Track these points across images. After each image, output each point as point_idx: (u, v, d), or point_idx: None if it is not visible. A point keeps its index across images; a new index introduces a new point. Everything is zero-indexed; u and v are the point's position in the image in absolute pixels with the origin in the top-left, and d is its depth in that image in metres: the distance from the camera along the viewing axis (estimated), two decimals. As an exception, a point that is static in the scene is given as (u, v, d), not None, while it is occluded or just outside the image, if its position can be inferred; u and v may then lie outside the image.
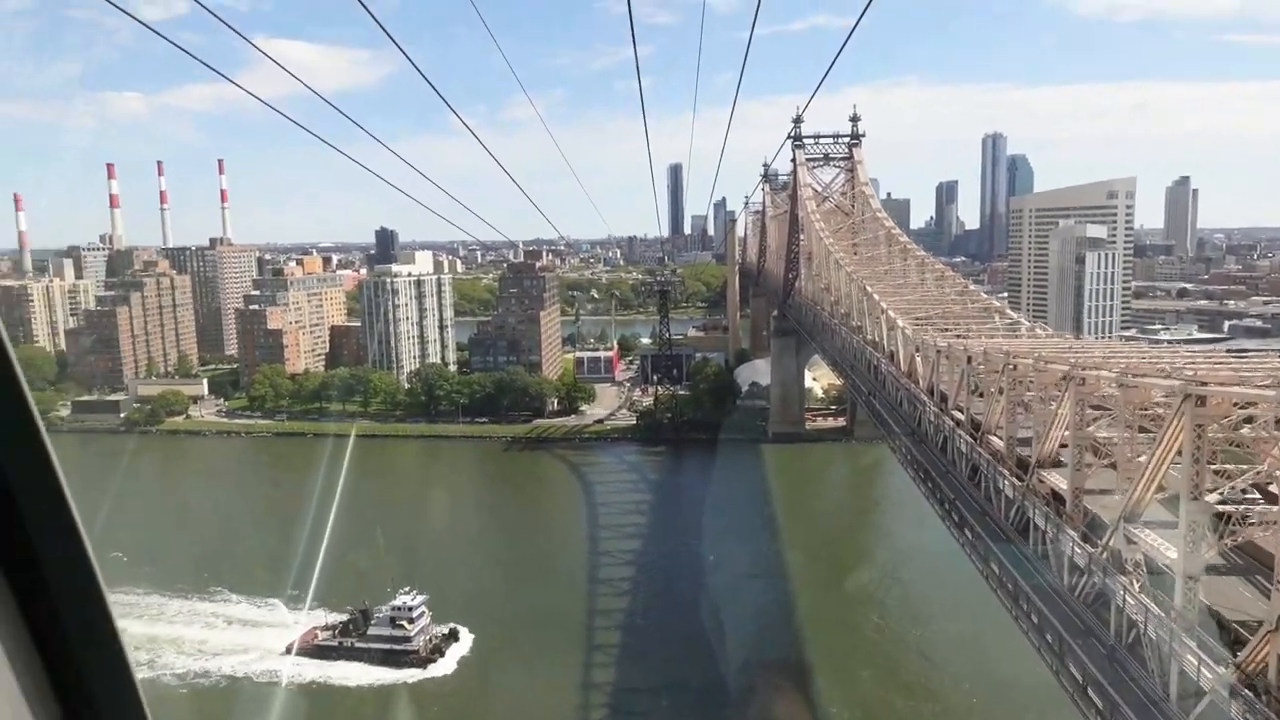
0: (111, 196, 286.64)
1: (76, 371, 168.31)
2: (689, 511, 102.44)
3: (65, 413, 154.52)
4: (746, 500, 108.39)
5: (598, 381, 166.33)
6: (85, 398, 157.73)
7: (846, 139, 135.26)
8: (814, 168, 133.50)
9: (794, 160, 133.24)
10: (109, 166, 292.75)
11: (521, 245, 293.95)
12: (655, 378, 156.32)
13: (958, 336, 57.52)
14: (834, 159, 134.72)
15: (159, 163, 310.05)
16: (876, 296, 72.78)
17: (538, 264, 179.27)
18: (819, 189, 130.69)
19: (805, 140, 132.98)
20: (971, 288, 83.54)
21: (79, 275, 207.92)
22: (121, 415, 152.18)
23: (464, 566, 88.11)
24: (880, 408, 67.97)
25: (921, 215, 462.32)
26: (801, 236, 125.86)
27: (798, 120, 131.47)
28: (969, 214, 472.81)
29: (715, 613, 73.31)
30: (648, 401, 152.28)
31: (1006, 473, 38.91)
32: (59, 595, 1.80)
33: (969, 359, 45.49)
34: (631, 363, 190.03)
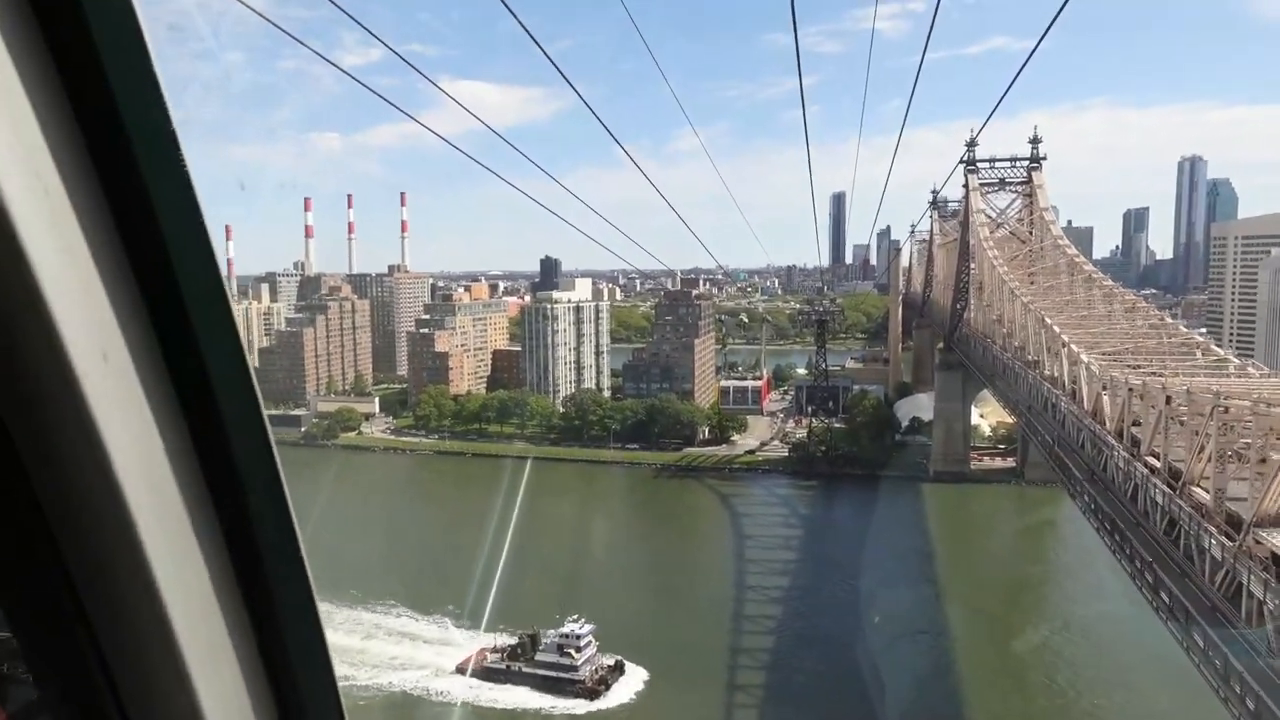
0: (306, 227, 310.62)
1: (267, 387, 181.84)
2: (842, 551, 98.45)
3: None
4: (905, 543, 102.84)
5: (745, 412, 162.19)
6: (272, 411, 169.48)
7: (1025, 162, 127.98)
8: (988, 193, 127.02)
9: (966, 185, 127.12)
10: (306, 200, 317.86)
11: (679, 274, 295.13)
12: (810, 409, 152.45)
13: (1152, 374, 51.91)
14: (1010, 184, 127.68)
15: (349, 196, 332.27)
16: (1057, 329, 67.36)
17: (693, 292, 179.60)
18: (993, 215, 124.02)
19: (980, 164, 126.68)
20: (1168, 320, 75.98)
21: (274, 298, 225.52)
22: (302, 429, 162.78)
23: (620, 594, 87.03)
24: (1059, 449, 62.49)
25: (1105, 244, 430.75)
26: (972, 265, 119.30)
27: (971, 143, 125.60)
28: (1160, 243, 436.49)
29: (872, 661, 69.23)
30: (801, 433, 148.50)
31: (1214, 530, 34.05)
32: (281, 606, 1.88)
33: (1168, 399, 40.55)
34: (786, 393, 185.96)
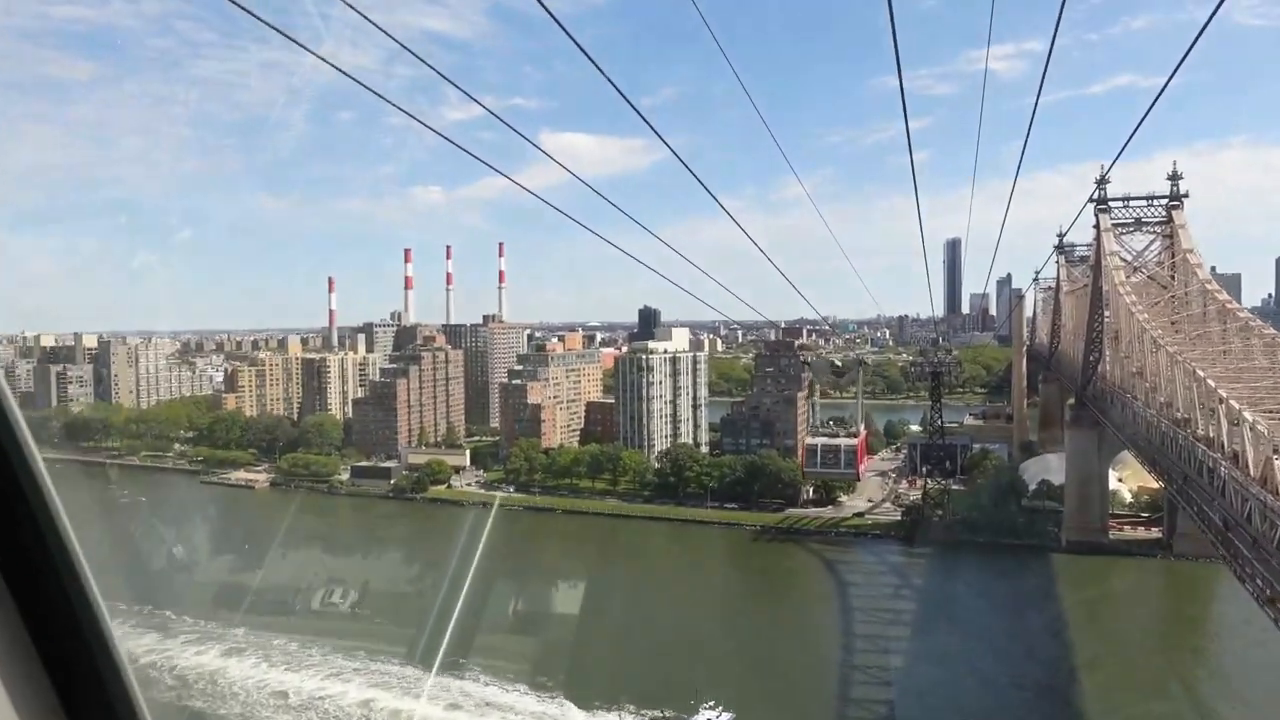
0: (406, 279, 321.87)
1: (359, 438, 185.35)
2: (962, 631, 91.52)
3: (344, 476, 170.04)
4: (1035, 622, 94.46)
5: (835, 477, 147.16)
6: (363, 463, 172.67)
7: (1163, 200, 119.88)
8: (1122, 234, 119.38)
9: (1097, 226, 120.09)
10: (406, 251, 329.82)
11: (783, 325, 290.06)
12: (925, 469, 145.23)
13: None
14: (1148, 224, 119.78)
15: (448, 247, 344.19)
16: (1211, 383, 60.53)
17: (796, 342, 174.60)
18: (1128, 259, 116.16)
19: (1112, 203, 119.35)
20: (1347, 374, 67.78)
21: (370, 349, 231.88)
22: (391, 481, 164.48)
23: (730, 674, 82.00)
24: (1218, 521, 55.48)
25: (1256, 292, 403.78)
26: (1106, 313, 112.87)
27: (1102, 180, 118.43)
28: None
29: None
30: (915, 495, 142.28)
31: None
32: (62, 614, 1.99)
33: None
34: (898, 450, 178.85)
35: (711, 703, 68.63)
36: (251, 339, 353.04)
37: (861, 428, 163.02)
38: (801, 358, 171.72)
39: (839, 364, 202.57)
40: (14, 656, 1.95)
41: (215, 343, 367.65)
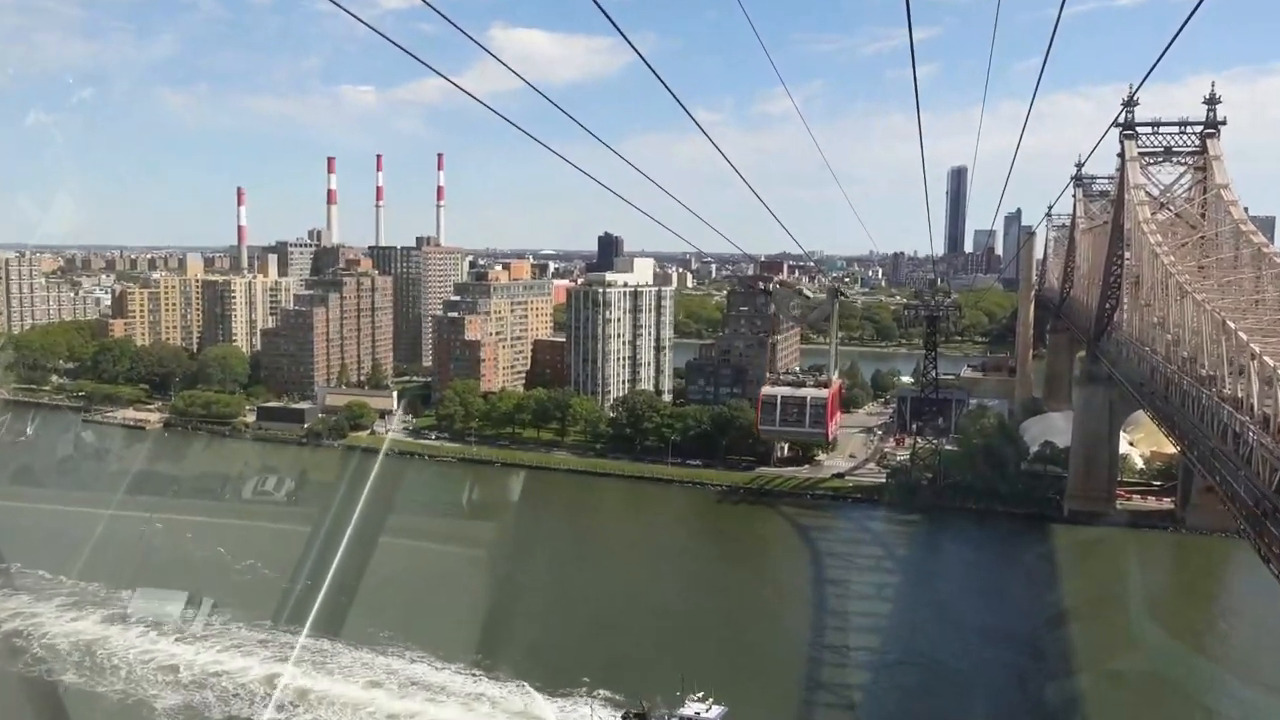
0: (329, 192, 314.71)
1: (269, 375, 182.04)
2: (950, 613, 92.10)
3: (250, 418, 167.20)
4: (1029, 603, 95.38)
5: (797, 439, 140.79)
6: (272, 404, 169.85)
7: (1197, 128, 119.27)
8: (1149, 164, 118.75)
9: (1122, 153, 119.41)
10: (329, 160, 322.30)
11: (764, 259, 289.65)
12: (915, 426, 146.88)
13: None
14: (1178, 154, 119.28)
15: (378, 157, 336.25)
16: (1243, 335, 59.99)
17: (775, 278, 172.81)
18: (1154, 193, 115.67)
19: (1140, 128, 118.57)
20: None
21: (283, 272, 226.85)
22: (305, 425, 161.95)
23: (678, 652, 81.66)
24: (1242, 492, 55.41)
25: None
26: (1127, 254, 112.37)
27: (1130, 102, 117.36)
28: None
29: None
30: (903, 455, 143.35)
31: None
32: None
33: None
34: (886, 404, 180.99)
35: (701, 694, 67.91)
36: (149, 257, 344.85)
37: (835, 375, 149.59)
38: (771, 290, 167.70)
39: (809, 294, 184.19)
40: None
41: (104, 260, 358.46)
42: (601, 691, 71.68)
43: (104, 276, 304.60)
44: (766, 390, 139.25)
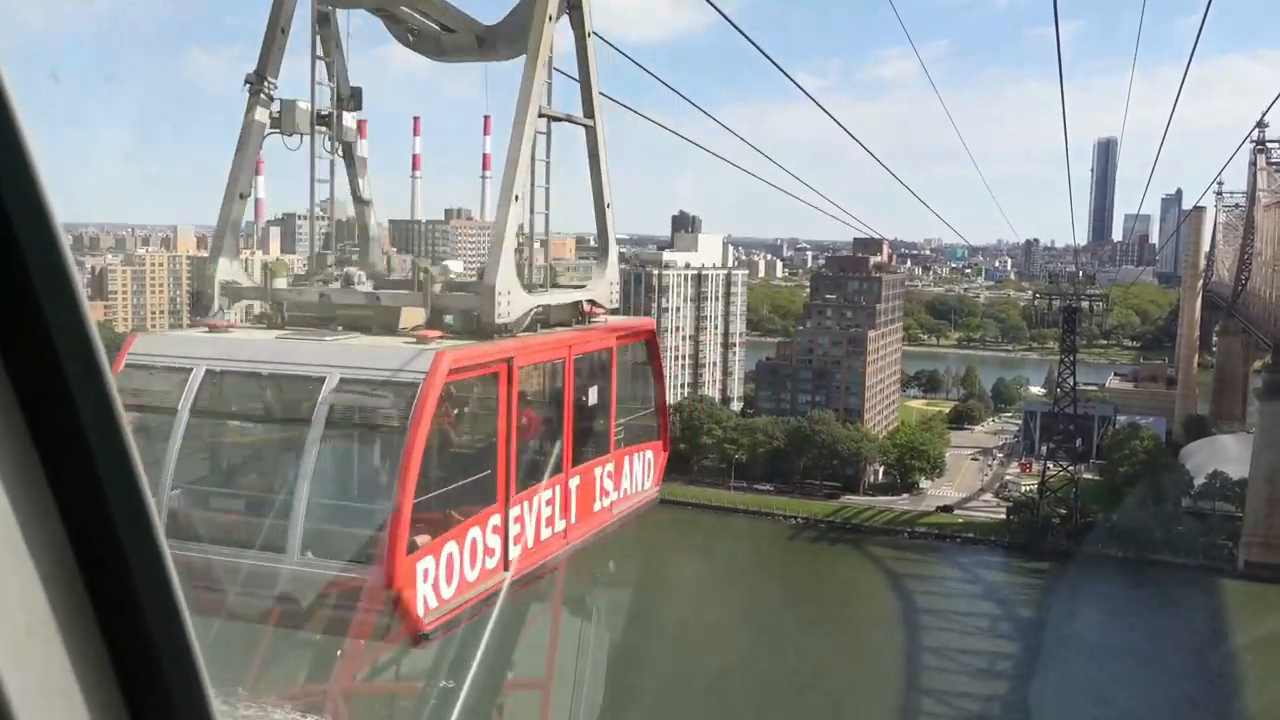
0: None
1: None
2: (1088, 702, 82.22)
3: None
4: (1196, 690, 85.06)
5: None
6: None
7: None
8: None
9: None
10: (360, 125, 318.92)
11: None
12: (1046, 448, 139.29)
13: None
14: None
15: (415, 120, 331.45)
16: None
17: (871, 260, 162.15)
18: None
19: None
20: None
21: (290, 248, 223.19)
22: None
23: None
24: None
25: None
26: None
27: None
28: None
29: None
30: (1030, 485, 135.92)
31: None
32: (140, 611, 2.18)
33: None
34: (1010, 417, 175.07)
35: None
36: (144, 234, 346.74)
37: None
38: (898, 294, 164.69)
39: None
40: (84, 649, 2.06)
41: (115, 238, 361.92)
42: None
43: (109, 256, 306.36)
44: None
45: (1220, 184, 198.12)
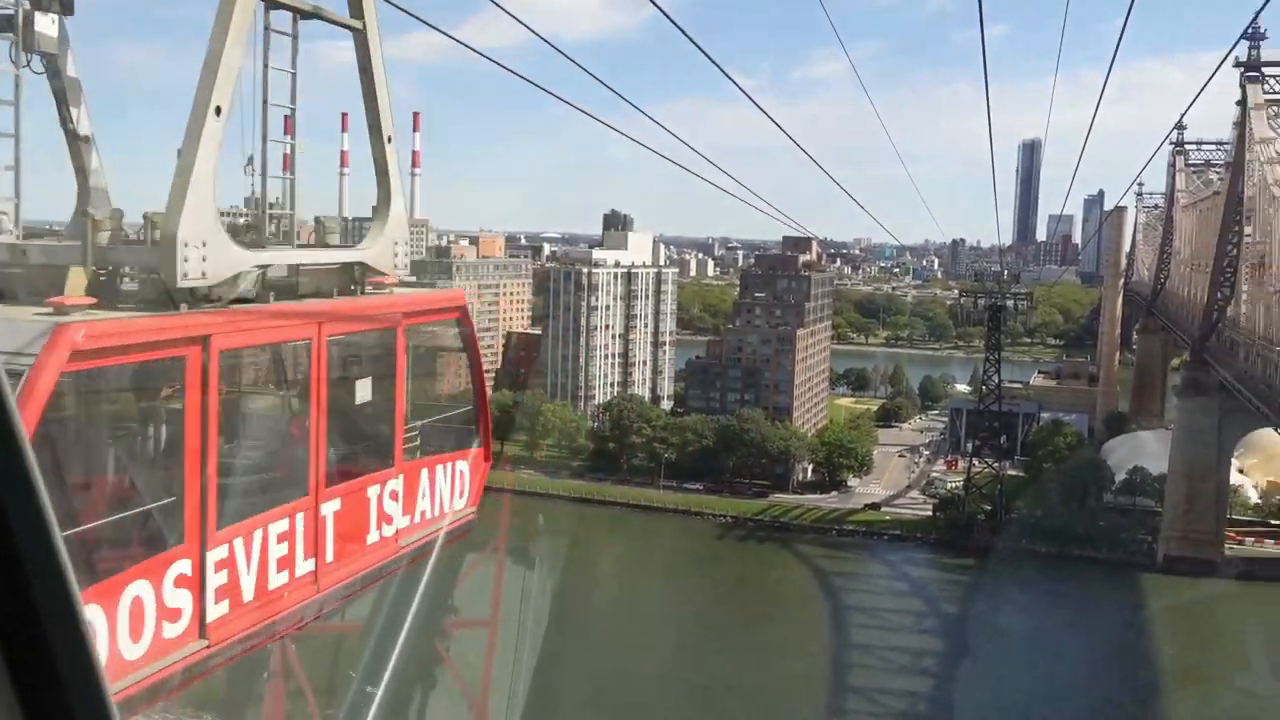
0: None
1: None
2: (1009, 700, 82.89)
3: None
4: (1109, 675, 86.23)
5: None
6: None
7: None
8: (1278, 117, 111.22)
9: (1243, 100, 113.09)
10: (285, 120, 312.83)
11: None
12: (971, 445, 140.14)
13: None
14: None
15: (343, 115, 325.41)
16: None
17: (800, 258, 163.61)
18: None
19: (1266, 69, 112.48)
20: None
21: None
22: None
23: None
24: None
25: None
26: (1248, 230, 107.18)
27: (1253, 34, 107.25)
28: None
29: None
30: (956, 482, 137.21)
31: None
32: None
33: None
34: (936, 415, 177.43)
35: None
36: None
37: None
38: (830, 299, 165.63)
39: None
40: None
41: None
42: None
43: None
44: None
45: (1140, 185, 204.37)
